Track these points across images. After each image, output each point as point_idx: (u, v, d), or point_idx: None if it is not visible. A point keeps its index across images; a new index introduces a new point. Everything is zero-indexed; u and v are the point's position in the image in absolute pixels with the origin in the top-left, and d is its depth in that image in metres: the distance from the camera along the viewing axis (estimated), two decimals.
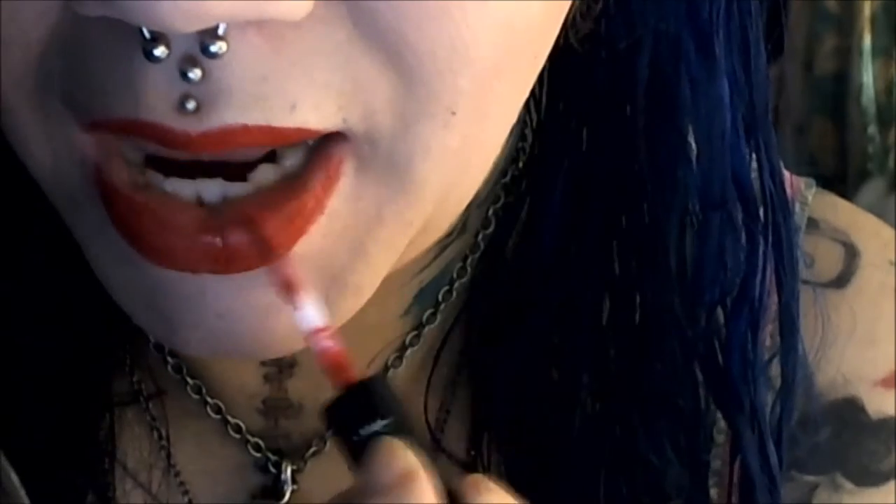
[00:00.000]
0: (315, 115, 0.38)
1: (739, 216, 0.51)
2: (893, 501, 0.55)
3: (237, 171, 0.40)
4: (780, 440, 0.52)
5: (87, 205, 0.41)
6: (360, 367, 0.52)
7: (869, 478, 0.54)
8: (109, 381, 0.53)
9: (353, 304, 0.42)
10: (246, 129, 0.38)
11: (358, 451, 0.38)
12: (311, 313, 0.38)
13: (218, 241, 0.39)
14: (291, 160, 0.40)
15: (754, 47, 0.50)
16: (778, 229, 0.51)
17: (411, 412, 0.40)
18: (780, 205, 0.51)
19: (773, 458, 0.51)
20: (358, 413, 0.38)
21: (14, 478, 0.38)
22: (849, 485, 0.54)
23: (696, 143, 0.50)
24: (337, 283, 0.41)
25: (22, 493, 0.38)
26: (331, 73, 0.38)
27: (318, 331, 0.39)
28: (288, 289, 0.38)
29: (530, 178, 0.52)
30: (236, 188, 0.40)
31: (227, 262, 0.39)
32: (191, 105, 0.37)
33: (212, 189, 0.39)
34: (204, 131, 0.37)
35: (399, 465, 0.38)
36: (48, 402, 0.51)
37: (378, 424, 0.38)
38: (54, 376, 0.51)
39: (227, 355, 0.43)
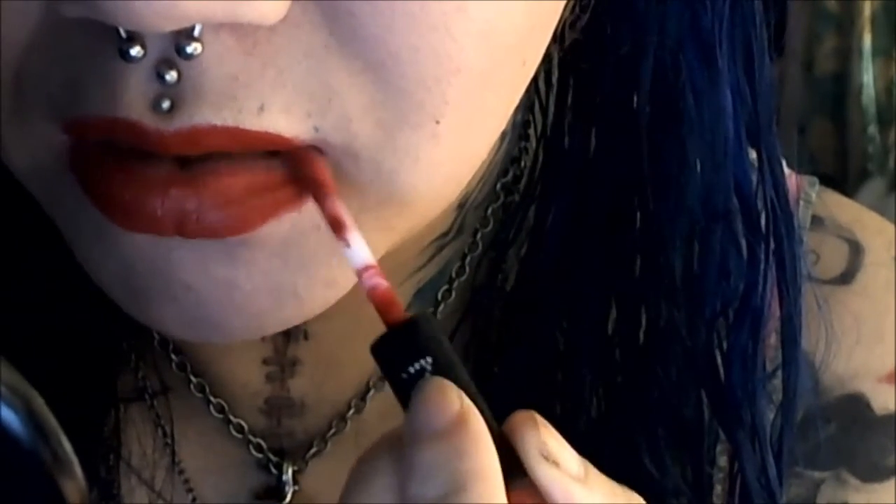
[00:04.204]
0: (284, 120, 0.38)
1: (741, 227, 0.51)
2: None
3: None
4: (780, 455, 0.51)
5: (64, 190, 0.41)
6: (362, 369, 0.53)
7: (874, 473, 0.54)
8: (115, 377, 0.53)
9: (325, 295, 0.41)
10: (215, 129, 0.37)
11: (405, 391, 0.37)
12: (360, 250, 0.38)
13: (189, 193, 0.38)
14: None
15: (758, 57, 0.50)
16: (780, 241, 0.51)
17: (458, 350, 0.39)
18: (783, 216, 0.51)
19: (773, 473, 0.51)
20: (405, 350, 0.37)
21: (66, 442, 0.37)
22: (854, 480, 0.54)
23: (700, 152, 0.50)
24: (306, 273, 0.40)
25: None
26: (303, 77, 0.38)
27: (368, 268, 0.38)
28: (337, 226, 0.38)
29: (535, 182, 0.52)
30: None
31: (197, 223, 0.38)
32: (165, 104, 0.37)
33: None
34: (175, 130, 0.37)
35: (450, 407, 0.36)
36: (53, 398, 0.50)
37: (426, 362, 0.37)
38: (59, 373, 0.51)
39: (202, 335, 0.41)
